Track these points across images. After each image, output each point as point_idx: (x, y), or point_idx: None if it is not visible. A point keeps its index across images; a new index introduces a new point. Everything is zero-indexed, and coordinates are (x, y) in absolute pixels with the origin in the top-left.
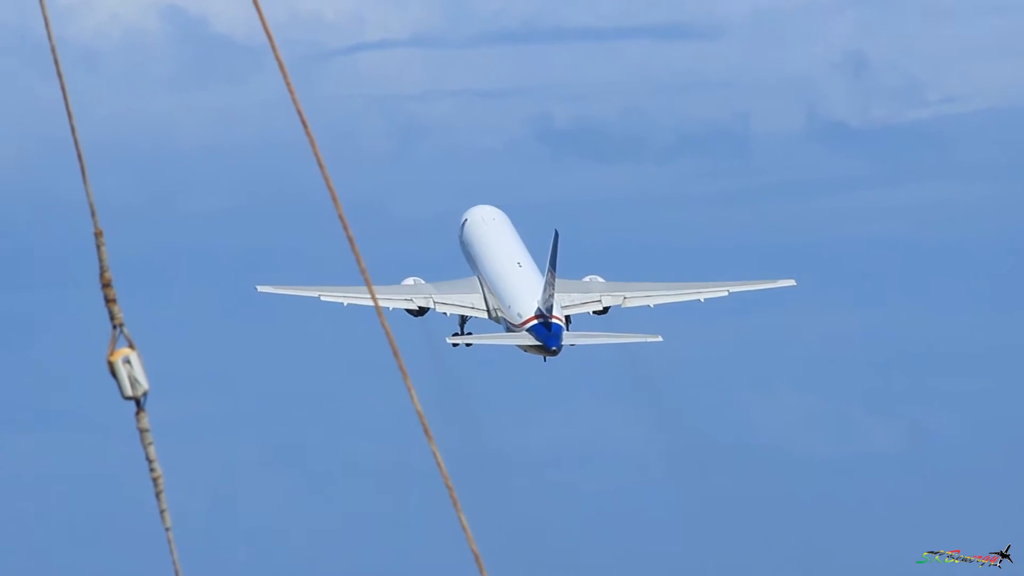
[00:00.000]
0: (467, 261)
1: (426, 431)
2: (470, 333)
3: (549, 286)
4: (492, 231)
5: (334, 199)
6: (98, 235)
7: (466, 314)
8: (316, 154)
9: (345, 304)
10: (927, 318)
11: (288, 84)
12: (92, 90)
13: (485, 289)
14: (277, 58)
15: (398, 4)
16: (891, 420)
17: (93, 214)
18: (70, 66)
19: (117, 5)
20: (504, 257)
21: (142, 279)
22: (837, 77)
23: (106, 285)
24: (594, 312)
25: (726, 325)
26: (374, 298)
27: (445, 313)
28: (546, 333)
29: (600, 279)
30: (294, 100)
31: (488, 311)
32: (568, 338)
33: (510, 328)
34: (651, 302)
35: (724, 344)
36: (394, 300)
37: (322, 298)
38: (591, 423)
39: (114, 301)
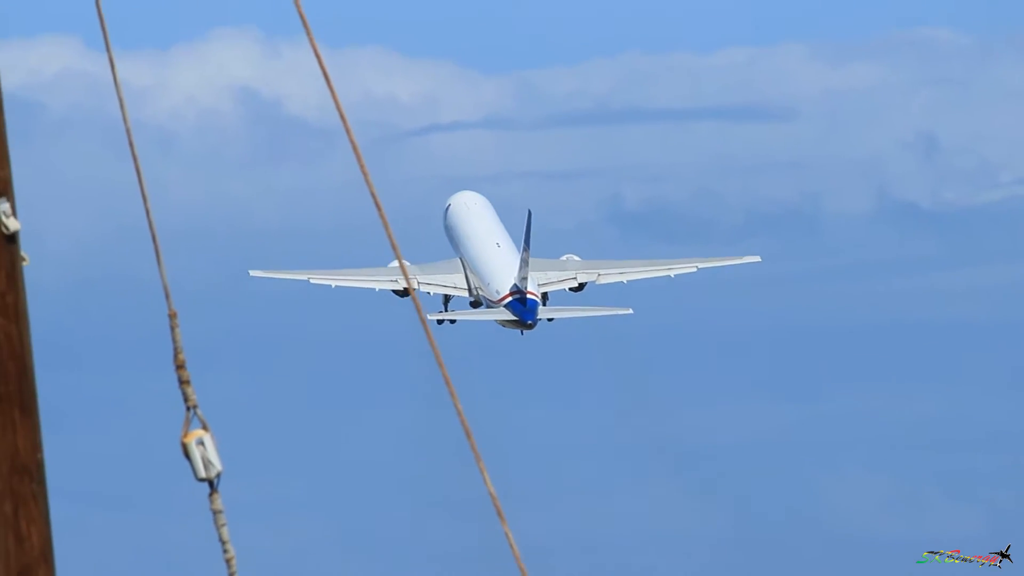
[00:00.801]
0: (450, 244)
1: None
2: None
3: (524, 265)
4: (473, 215)
5: (406, 278)
6: (172, 317)
7: (449, 293)
8: (389, 236)
9: (334, 286)
10: (997, 400)
11: (361, 165)
12: (167, 172)
13: (467, 269)
14: (351, 139)
15: (471, 86)
16: (970, 504)
17: (167, 296)
18: (145, 148)
19: (192, 87)
20: (484, 239)
21: (216, 360)
22: (908, 158)
23: (180, 367)
24: (570, 289)
25: (781, 408)
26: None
27: (429, 292)
28: (522, 308)
29: (576, 258)
30: (367, 181)
31: (469, 290)
32: (543, 312)
33: (490, 305)
34: (624, 278)
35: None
36: (380, 281)
37: (311, 281)
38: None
39: (188, 383)
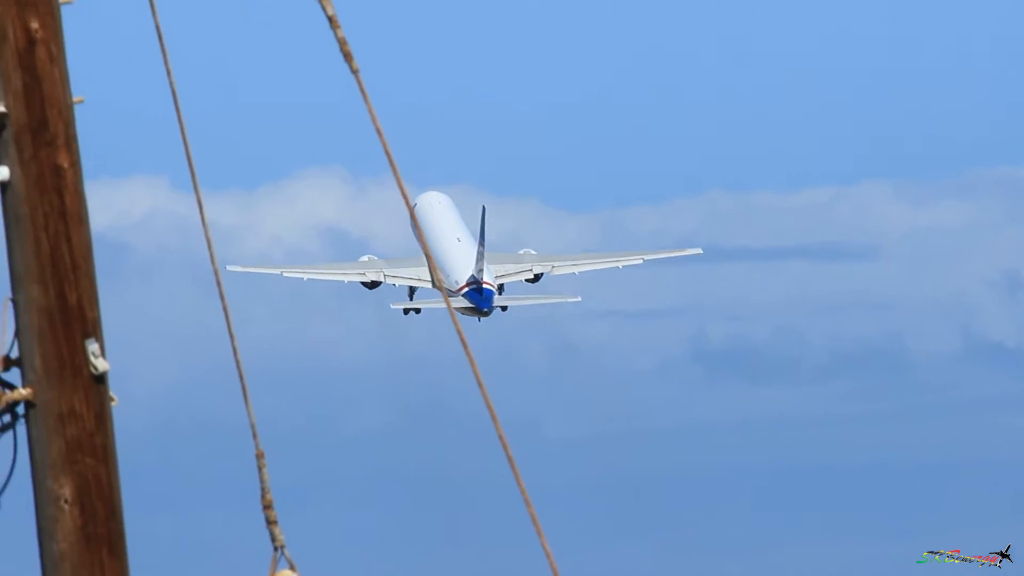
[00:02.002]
0: (416, 240)
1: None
2: (419, 309)
3: (480, 258)
4: (436, 212)
5: (492, 415)
6: (259, 456)
7: (413, 285)
8: (476, 373)
9: (305, 279)
10: None
11: (448, 304)
12: (253, 311)
13: (431, 263)
14: (436, 279)
15: (555, 225)
16: None
17: (255, 435)
18: (232, 288)
19: (279, 227)
20: (446, 234)
21: (303, 500)
22: (993, 296)
23: (267, 507)
24: (527, 280)
25: None
26: (454, 318)
27: (394, 284)
28: (478, 297)
29: (532, 251)
30: (454, 320)
31: (432, 281)
32: (499, 301)
33: (450, 294)
34: (576, 270)
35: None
36: (349, 274)
37: (284, 274)
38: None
39: (275, 523)
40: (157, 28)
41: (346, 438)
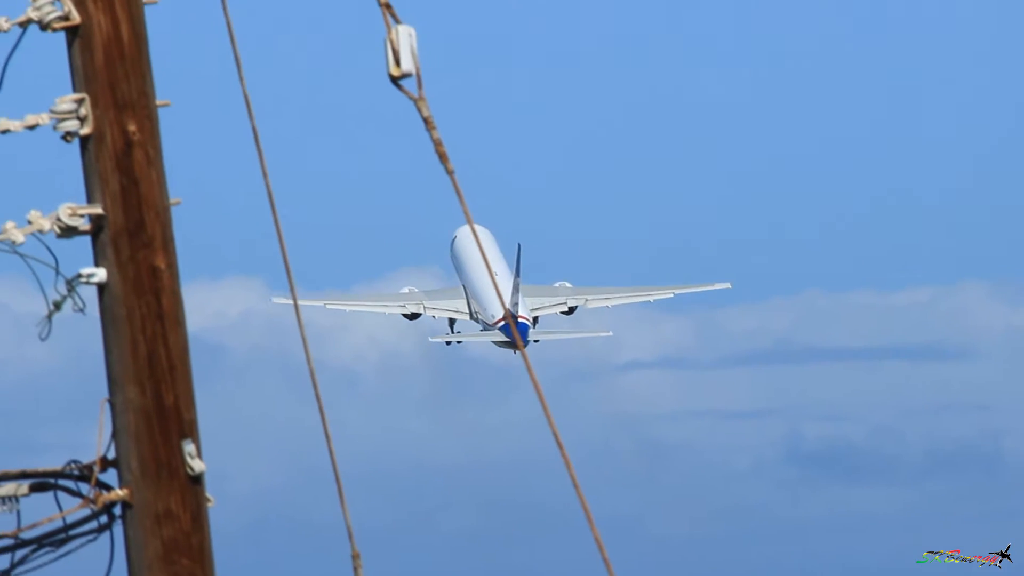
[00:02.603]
0: (455, 271)
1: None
2: (459, 332)
3: (516, 291)
4: (475, 247)
5: (587, 515)
6: (355, 558)
7: (452, 317)
8: (571, 474)
9: (348, 311)
10: None
11: (543, 403)
12: (348, 412)
13: (468, 295)
14: (532, 379)
15: (652, 325)
16: None
17: (351, 537)
18: (328, 389)
19: (375, 328)
20: (483, 269)
21: None
22: None
23: None
24: (561, 312)
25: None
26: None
27: (433, 316)
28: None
29: (568, 284)
30: (549, 420)
31: (470, 314)
32: (533, 335)
33: (486, 327)
34: (609, 303)
35: None
36: (390, 307)
37: (327, 306)
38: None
39: None
40: (254, 131)
41: (442, 537)
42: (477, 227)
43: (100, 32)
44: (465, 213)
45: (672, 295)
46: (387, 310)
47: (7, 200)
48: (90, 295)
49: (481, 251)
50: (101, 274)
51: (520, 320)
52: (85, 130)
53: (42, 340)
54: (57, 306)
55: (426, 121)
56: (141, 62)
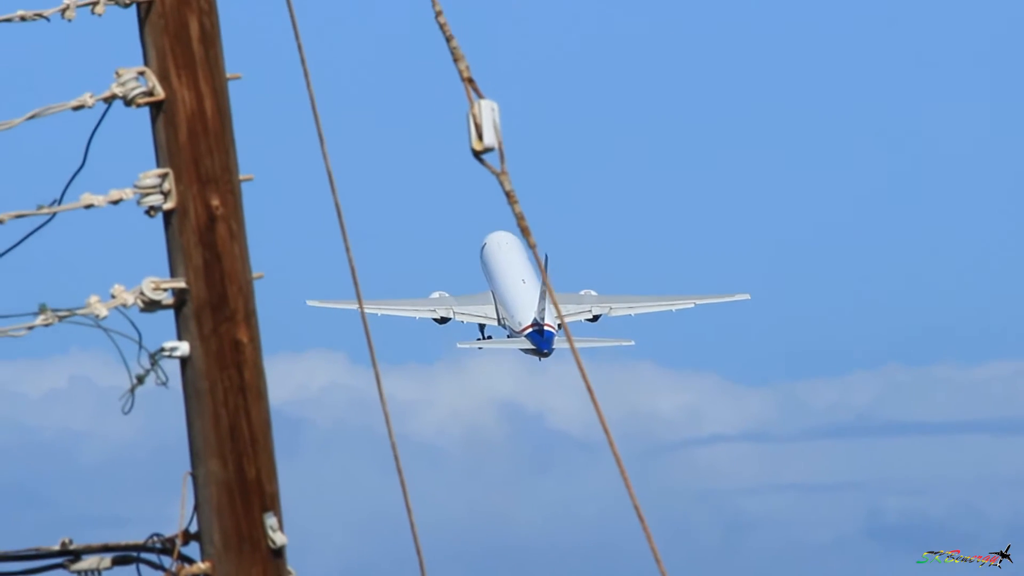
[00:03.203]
0: (485, 278)
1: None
2: (490, 337)
3: (542, 298)
4: (504, 253)
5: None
6: None
7: (480, 322)
8: (653, 548)
9: (380, 314)
10: None
11: (625, 478)
12: (431, 486)
13: (496, 301)
14: (614, 453)
15: (735, 399)
16: None
17: None
18: (410, 462)
19: (457, 401)
20: (511, 276)
21: None
22: None
23: None
24: (586, 319)
25: None
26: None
27: (462, 321)
28: (540, 339)
29: (593, 292)
30: (630, 493)
31: (497, 320)
32: (559, 342)
33: (513, 334)
34: (632, 311)
35: None
36: (420, 311)
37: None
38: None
39: None
40: (337, 207)
41: None
42: (505, 234)
43: (184, 107)
44: (548, 290)
45: (693, 305)
46: (418, 314)
47: (91, 274)
48: (173, 369)
49: (510, 259)
50: (184, 348)
51: (546, 328)
52: (169, 205)
53: (125, 414)
54: (140, 380)
55: (508, 195)
56: (224, 137)
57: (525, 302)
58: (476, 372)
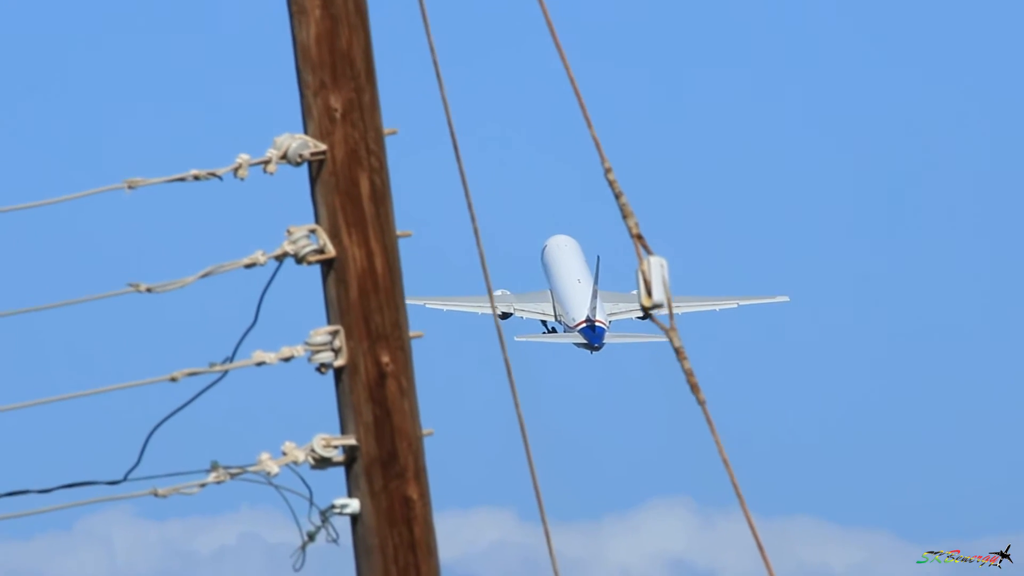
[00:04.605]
0: (545, 277)
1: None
2: (553, 330)
3: (594, 297)
4: (562, 255)
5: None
6: None
7: (540, 319)
8: None
9: (445, 310)
10: None
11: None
12: None
13: (553, 299)
14: (765, 560)
15: (909, 557)
16: None
17: None
18: None
19: (625, 559)
20: (568, 275)
21: None
22: None
23: None
24: (637, 317)
25: None
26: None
27: (522, 317)
28: (591, 333)
29: None
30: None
31: (554, 316)
32: (609, 338)
33: (567, 329)
34: (679, 311)
35: None
36: (483, 307)
37: (427, 305)
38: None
39: None
40: (506, 363)
41: None
42: (564, 237)
43: (355, 265)
44: (717, 445)
45: (736, 305)
46: (480, 310)
47: (262, 431)
48: (343, 525)
49: (567, 260)
50: (354, 505)
51: (597, 324)
52: (339, 362)
53: (296, 571)
54: (311, 537)
55: (677, 351)
56: (394, 294)
57: (579, 300)
58: (645, 529)
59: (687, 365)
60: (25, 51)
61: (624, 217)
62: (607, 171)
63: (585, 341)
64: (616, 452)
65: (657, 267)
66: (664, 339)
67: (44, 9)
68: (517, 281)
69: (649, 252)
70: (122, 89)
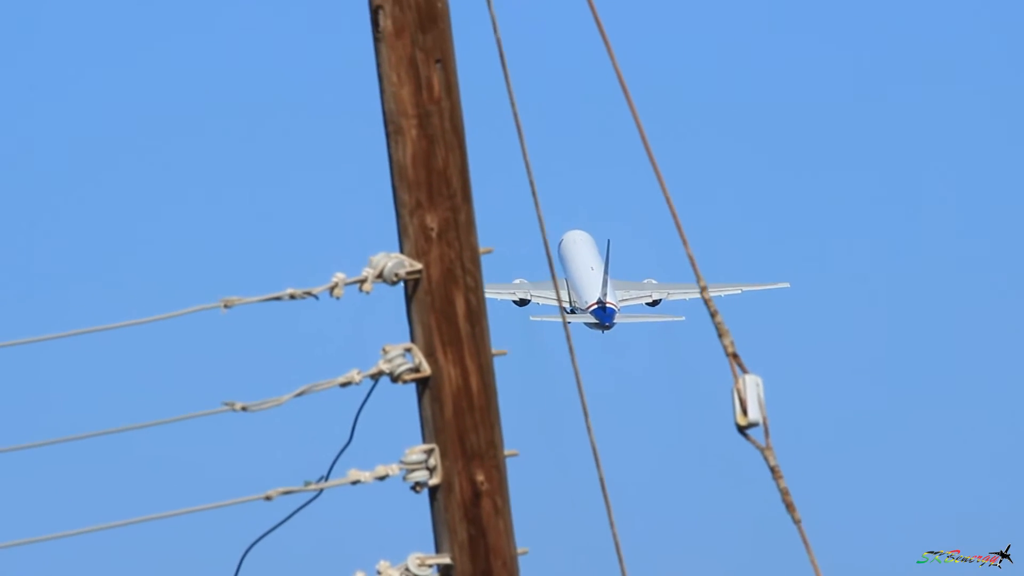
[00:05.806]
0: (560, 266)
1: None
2: (573, 311)
3: (605, 283)
4: (577, 246)
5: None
6: None
7: (553, 304)
8: None
9: (498, 299)
10: None
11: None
12: None
13: (568, 287)
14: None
15: None
16: None
17: None
18: None
19: None
20: (582, 264)
21: None
22: None
23: None
24: (647, 304)
25: None
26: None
27: (538, 302)
28: (602, 313)
29: (654, 280)
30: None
31: (569, 301)
32: (619, 318)
33: (580, 311)
34: (687, 297)
35: None
36: (502, 293)
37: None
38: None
39: None
40: (601, 481)
41: None
42: (579, 232)
43: (450, 383)
44: (812, 563)
45: (740, 291)
46: (499, 296)
47: (357, 550)
48: None
49: (583, 252)
50: None
51: (608, 305)
52: (434, 480)
53: None
54: None
55: (773, 471)
56: (490, 413)
57: (591, 284)
58: None
59: (782, 484)
60: (126, 168)
61: (719, 336)
62: (702, 289)
63: (596, 321)
64: (706, 552)
65: (752, 386)
66: (673, 320)
67: (135, 127)
68: (534, 271)
69: (744, 371)
70: (219, 208)
